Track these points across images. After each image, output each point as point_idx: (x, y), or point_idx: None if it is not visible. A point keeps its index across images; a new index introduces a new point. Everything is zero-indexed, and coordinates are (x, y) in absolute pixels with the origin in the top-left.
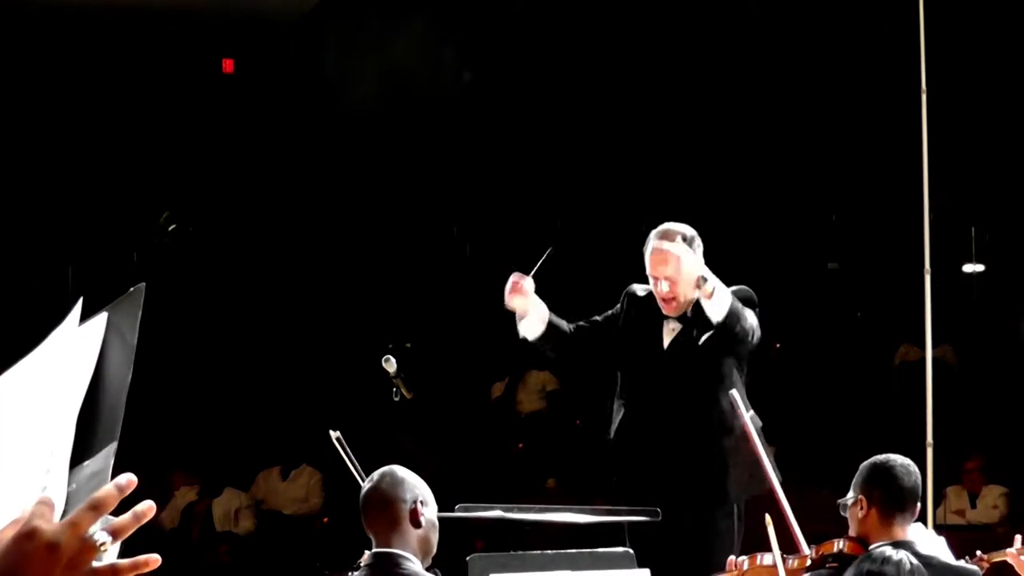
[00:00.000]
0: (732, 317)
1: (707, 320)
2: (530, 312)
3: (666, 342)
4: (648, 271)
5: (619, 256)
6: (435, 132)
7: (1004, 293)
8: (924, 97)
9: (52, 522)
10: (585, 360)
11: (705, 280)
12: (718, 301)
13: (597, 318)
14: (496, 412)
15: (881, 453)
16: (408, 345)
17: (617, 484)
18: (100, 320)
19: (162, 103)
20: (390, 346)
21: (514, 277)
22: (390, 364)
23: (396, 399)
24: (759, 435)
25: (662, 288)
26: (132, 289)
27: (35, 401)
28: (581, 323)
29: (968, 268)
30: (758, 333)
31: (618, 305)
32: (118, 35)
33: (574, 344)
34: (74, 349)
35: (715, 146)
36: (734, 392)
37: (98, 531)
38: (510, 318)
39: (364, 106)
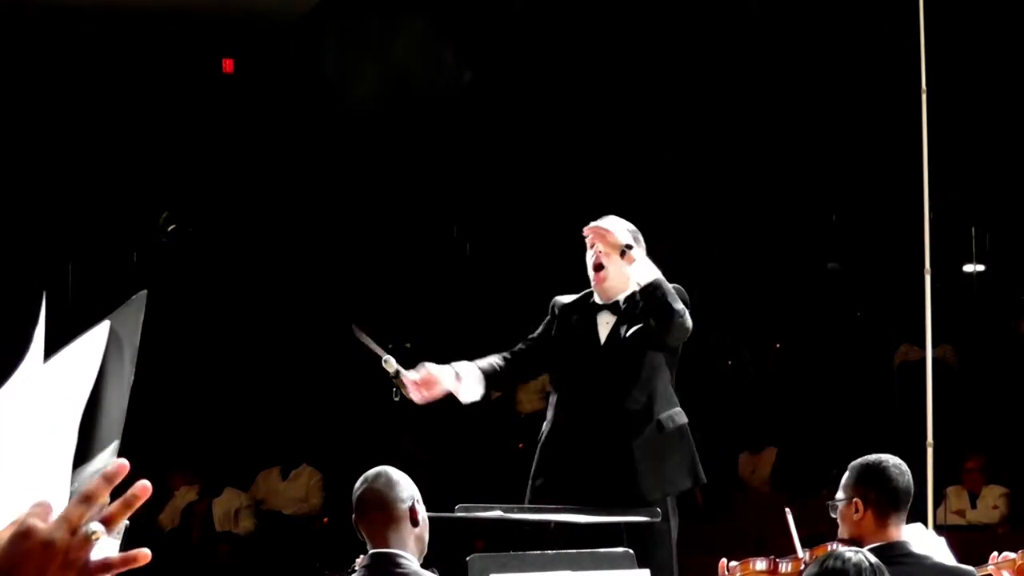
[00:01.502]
0: (660, 289)
1: (638, 314)
2: (459, 385)
3: (603, 337)
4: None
5: None
6: (435, 132)
7: (1004, 293)
8: (924, 97)
9: (48, 521)
10: (536, 375)
11: (630, 247)
12: (642, 265)
13: (532, 335)
14: (496, 412)
15: (883, 453)
16: (408, 345)
17: (541, 486)
18: (103, 329)
19: (162, 103)
20: (390, 346)
21: (413, 382)
22: (390, 364)
23: (396, 399)
24: (687, 433)
25: (596, 251)
26: (134, 296)
27: (37, 409)
28: (519, 346)
29: (968, 268)
30: (689, 323)
31: (547, 317)
32: (118, 35)
33: (517, 371)
34: (76, 359)
35: (715, 146)
36: (788, 512)
37: (91, 522)
38: (511, 317)
39: (364, 106)
